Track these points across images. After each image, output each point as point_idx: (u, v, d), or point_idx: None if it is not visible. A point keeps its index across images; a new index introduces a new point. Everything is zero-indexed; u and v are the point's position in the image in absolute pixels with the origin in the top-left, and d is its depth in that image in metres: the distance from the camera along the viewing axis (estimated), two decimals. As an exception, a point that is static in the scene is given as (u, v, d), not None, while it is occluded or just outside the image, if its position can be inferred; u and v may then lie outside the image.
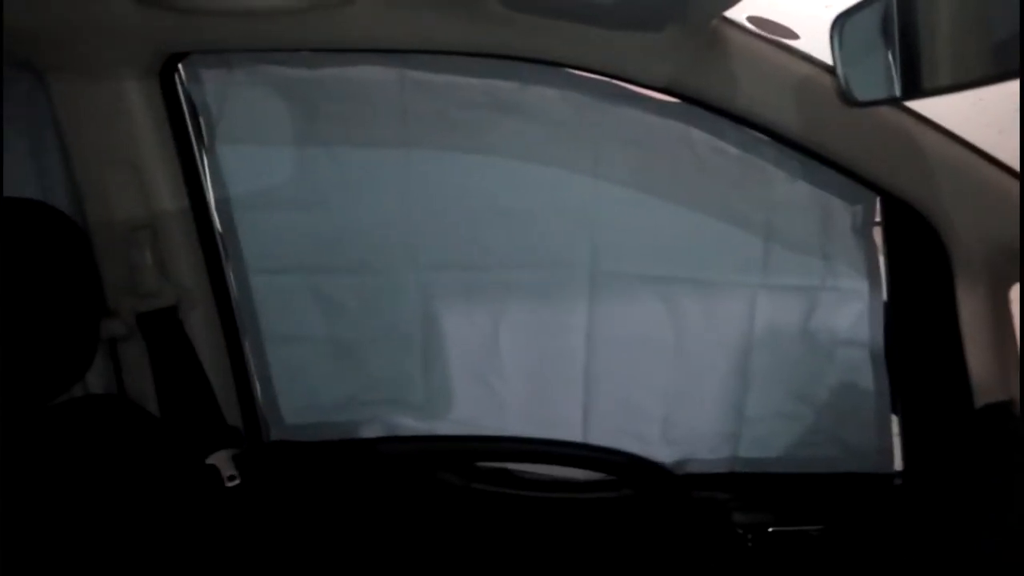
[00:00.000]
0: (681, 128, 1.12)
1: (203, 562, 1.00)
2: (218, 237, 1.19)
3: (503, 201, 1.17)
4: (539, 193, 1.16)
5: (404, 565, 1.22)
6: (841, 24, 0.85)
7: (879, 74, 0.79)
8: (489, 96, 1.12)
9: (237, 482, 1.10)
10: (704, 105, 1.03)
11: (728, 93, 1.00)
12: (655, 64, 1.00)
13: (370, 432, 1.29)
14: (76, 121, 1.05)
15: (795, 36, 0.97)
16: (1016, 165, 0.96)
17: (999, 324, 1.04)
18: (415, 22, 0.96)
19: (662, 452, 1.26)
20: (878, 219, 1.15)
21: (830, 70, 0.94)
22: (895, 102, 0.93)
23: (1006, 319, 1.05)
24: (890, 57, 0.77)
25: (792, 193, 1.14)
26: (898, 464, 1.24)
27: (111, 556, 0.88)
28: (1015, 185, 0.97)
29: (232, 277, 1.21)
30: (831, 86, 0.95)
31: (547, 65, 1.04)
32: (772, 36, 0.97)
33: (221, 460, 1.11)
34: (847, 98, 0.90)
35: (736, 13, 0.93)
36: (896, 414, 1.22)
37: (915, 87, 0.77)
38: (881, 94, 0.84)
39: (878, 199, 1.13)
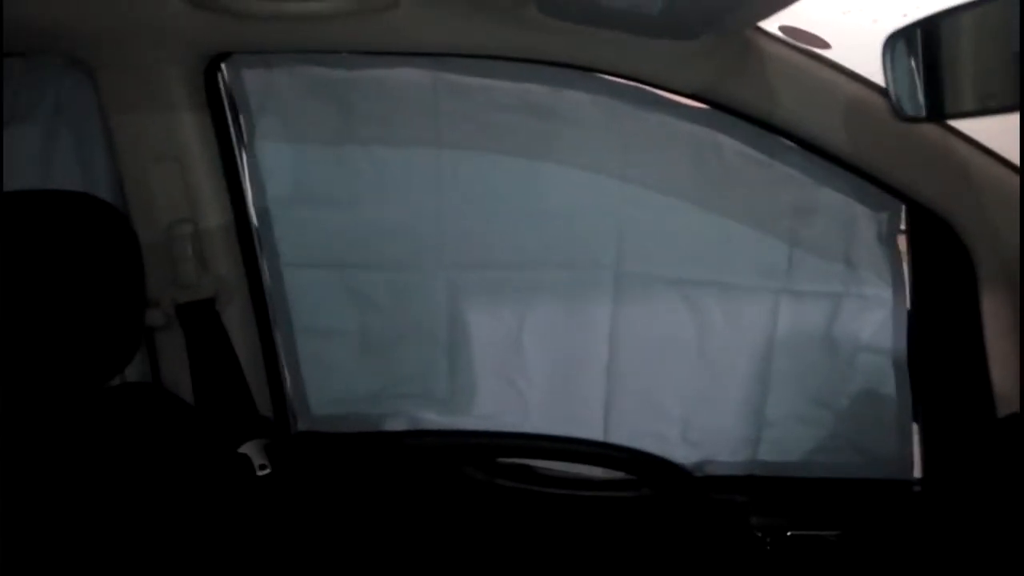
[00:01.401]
0: (709, 133, 1.13)
1: (234, 549, 1.02)
2: (255, 232, 1.22)
3: (532, 202, 1.19)
4: (567, 195, 1.18)
5: (427, 556, 1.24)
6: (893, 43, 0.87)
7: (927, 93, 0.81)
8: (521, 100, 1.13)
9: (268, 471, 1.12)
10: (734, 112, 1.05)
11: (759, 101, 1.01)
12: (688, 71, 1.01)
13: (396, 425, 1.31)
14: (123, 117, 1.09)
15: (827, 46, 0.98)
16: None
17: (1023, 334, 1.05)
18: (455, 26, 0.98)
19: (681, 453, 1.27)
20: (903, 227, 1.16)
21: (861, 80, 0.95)
22: (944, 119, 0.95)
23: (1030, 330, 1.05)
24: (937, 76, 0.79)
25: (818, 199, 1.15)
26: (918, 472, 1.24)
27: (146, 541, 0.90)
28: None
29: (267, 271, 1.24)
30: (861, 96, 0.96)
31: (580, 70, 1.06)
32: (804, 45, 0.98)
33: (253, 450, 1.13)
34: (899, 115, 0.91)
35: (769, 23, 0.95)
36: (917, 422, 1.22)
37: (964, 106, 0.79)
38: (930, 112, 0.85)
39: (903, 207, 1.14)
